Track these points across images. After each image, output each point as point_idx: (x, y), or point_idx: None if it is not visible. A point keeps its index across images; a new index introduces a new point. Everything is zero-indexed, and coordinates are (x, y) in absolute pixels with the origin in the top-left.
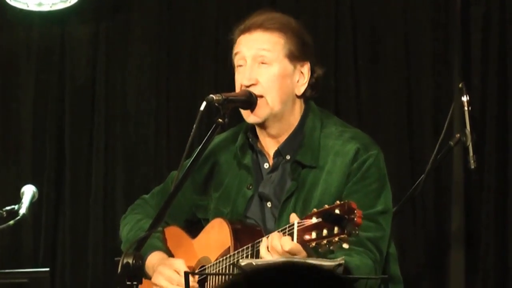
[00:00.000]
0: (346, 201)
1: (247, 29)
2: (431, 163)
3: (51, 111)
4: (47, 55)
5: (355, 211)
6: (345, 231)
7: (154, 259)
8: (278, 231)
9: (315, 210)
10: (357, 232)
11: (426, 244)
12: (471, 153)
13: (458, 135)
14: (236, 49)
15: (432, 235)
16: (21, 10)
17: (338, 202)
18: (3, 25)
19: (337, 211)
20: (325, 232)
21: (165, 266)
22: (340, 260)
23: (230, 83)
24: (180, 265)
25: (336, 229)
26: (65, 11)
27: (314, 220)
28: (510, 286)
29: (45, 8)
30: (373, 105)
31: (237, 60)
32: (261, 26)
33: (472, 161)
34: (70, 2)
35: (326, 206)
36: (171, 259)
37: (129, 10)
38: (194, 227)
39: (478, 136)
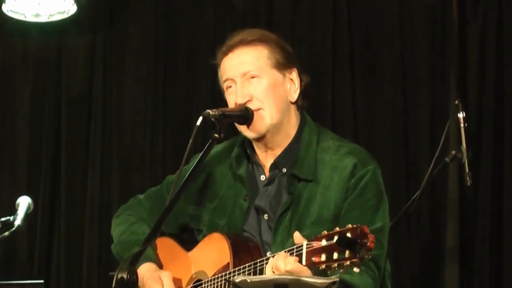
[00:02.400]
0: (358, 225)
1: (229, 49)
2: (426, 180)
3: (47, 122)
4: (44, 66)
5: (368, 236)
6: (358, 256)
7: (143, 270)
8: (285, 251)
9: (325, 232)
10: (370, 257)
11: (421, 259)
12: (467, 170)
13: (454, 151)
14: (223, 74)
15: (427, 251)
16: (18, 21)
17: (349, 225)
18: (0, 36)
19: (348, 235)
20: (335, 255)
21: (153, 280)
22: (334, 278)
23: None
24: (166, 278)
25: (347, 253)
26: (62, 22)
27: (324, 242)
28: None
29: (43, 19)
30: (369, 120)
31: (226, 84)
32: (241, 42)
33: (468, 178)
34: (67, 13)
35: (337, 228)
36: (159, 271)
37: (126, 21)
38: (187, 239)
39: (474, 153)
